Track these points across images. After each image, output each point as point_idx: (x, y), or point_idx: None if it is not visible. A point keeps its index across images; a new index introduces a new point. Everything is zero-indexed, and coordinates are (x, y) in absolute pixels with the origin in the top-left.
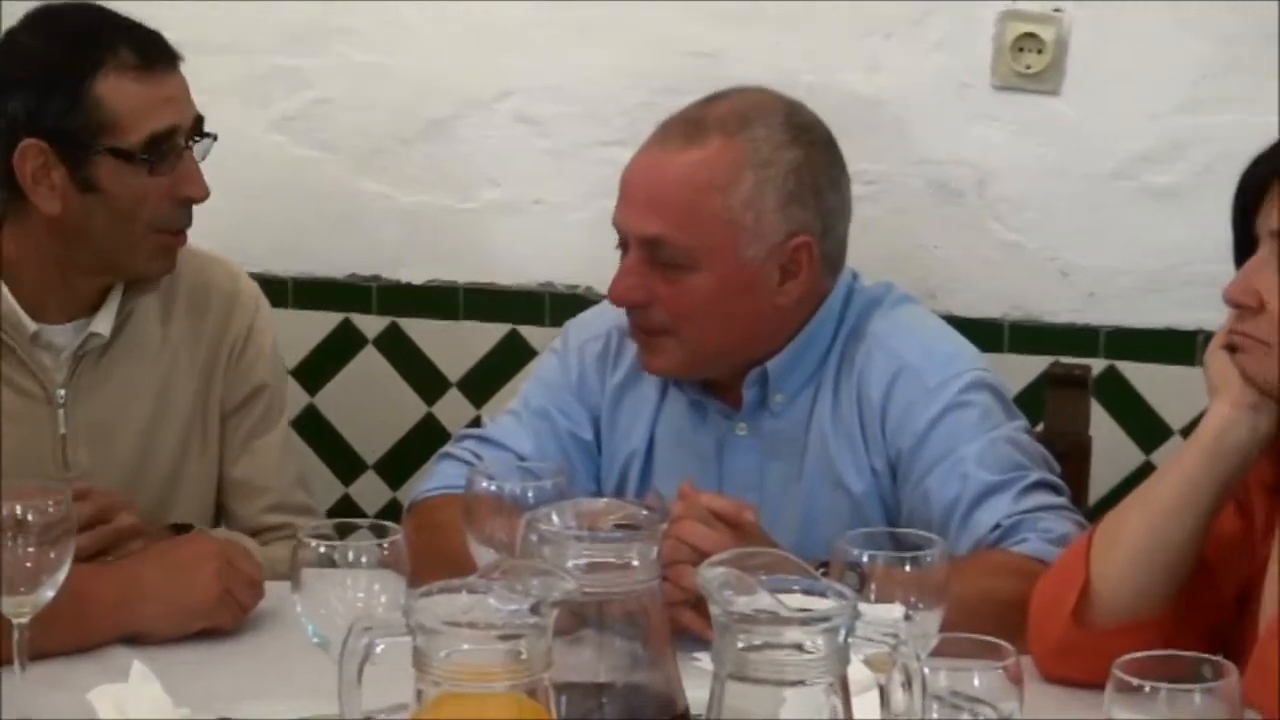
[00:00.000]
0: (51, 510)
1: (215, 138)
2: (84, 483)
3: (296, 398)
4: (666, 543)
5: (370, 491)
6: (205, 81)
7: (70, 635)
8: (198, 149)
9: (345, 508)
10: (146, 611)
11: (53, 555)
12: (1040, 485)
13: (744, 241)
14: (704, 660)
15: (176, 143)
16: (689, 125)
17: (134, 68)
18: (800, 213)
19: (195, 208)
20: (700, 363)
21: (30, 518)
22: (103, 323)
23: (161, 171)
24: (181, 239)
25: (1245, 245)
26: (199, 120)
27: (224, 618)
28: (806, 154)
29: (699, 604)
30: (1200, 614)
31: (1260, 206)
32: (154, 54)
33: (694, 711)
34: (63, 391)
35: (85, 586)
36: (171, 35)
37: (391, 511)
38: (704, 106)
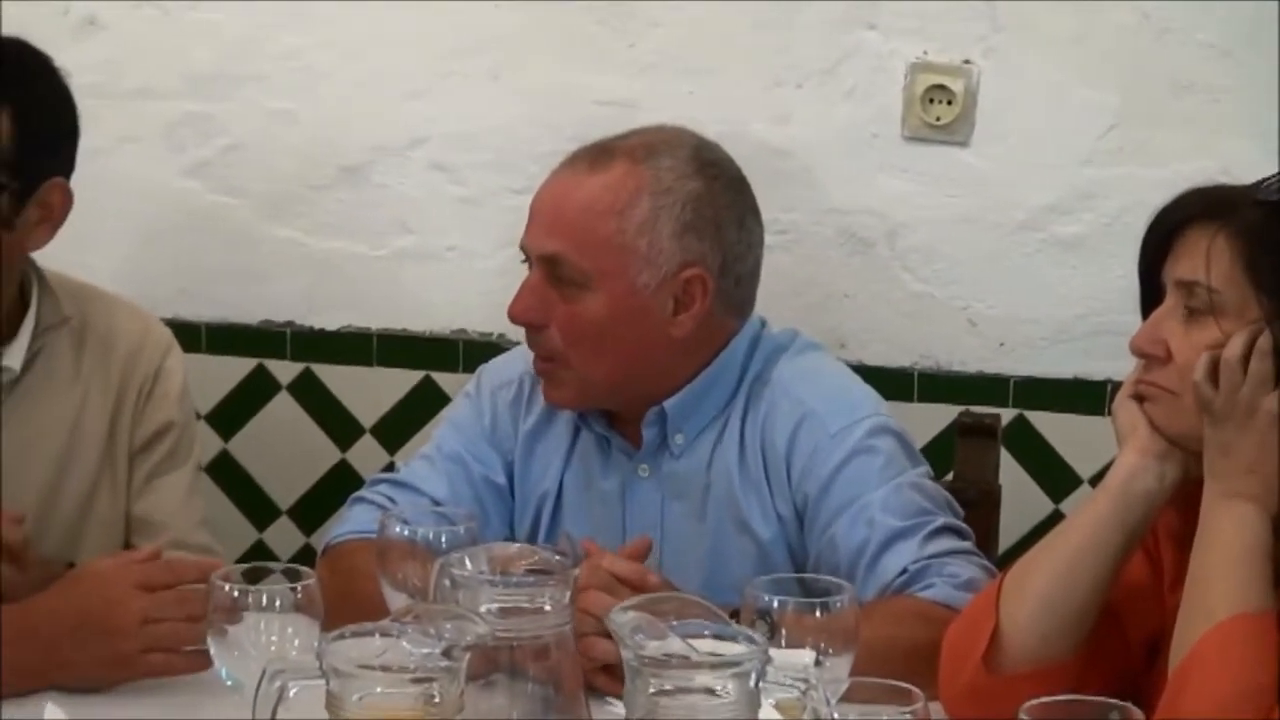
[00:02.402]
0: None
1: None
2: None
3: (210, 443)
4: (575, 615)
5: (283, 537)
6: (116, 127)
7: None
8: None
9: (258, 553)
10: (63, 676)
11: None
12: (945, 530)
13: (636, 267)
14: (617, 705)
15: None
16: (598, 152)
17: None
18: (696, 244)
19: (108, 251)
20: (594, 393)
21: None
22: (14, 356)
23: None
24: None
25: (1151, 295)
26: None
27: (149, 675)
28: (708, 187)
29: (611, 669)
30: (1108, 660)
31: (1166, 257)
32: None
33: None
34: None
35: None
36: (84, 80)
37: (305, 557)
38: (617, 138)
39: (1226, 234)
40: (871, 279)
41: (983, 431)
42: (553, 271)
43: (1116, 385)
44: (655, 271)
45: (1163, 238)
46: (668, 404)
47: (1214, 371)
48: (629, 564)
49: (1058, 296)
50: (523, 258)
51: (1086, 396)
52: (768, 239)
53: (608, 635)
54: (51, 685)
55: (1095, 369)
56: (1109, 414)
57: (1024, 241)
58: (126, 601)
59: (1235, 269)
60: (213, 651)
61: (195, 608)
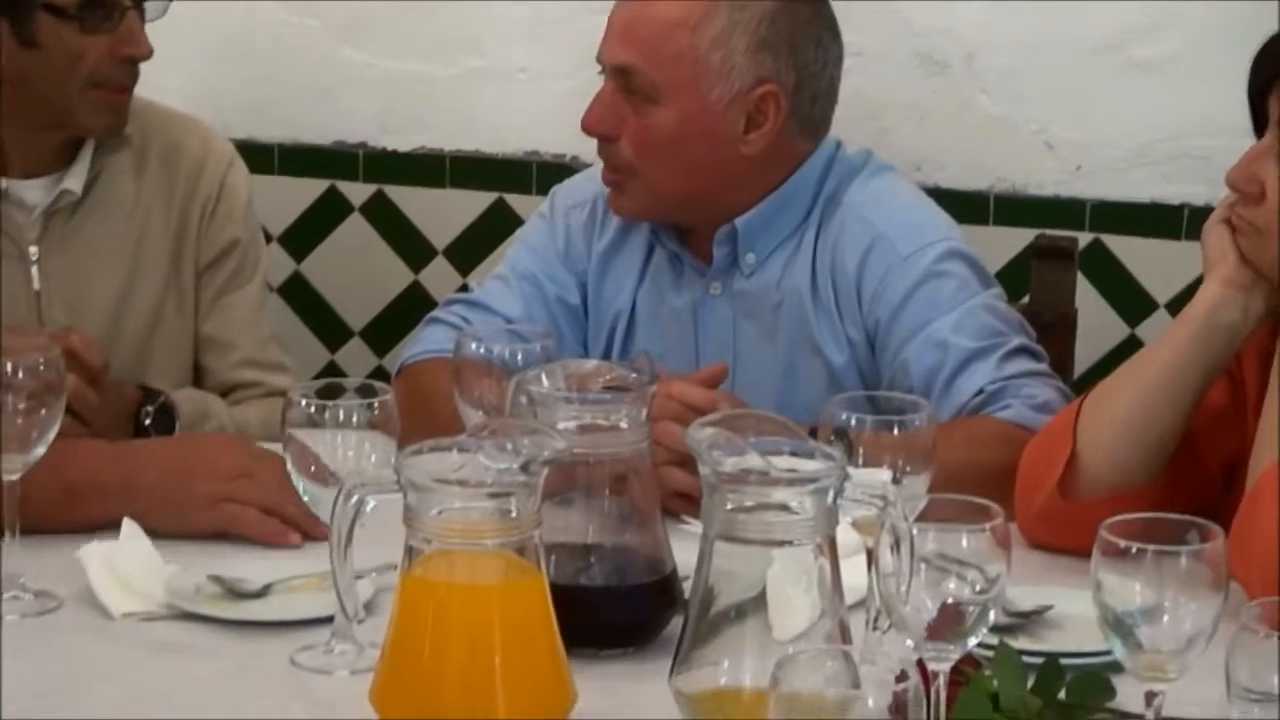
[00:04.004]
0: (43, 369)
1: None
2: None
3: (282, 264)
4: (657, 399)
5: (356, 358)
6: None
7: (61, 519)
8: (150, 9)
9: (331, 374)
10: (139, 504)
11: (44, 414)
12: (1021, 351)
13: (709, 82)
14: (692, 525)
15: (117, 2)
16: None
17: None
18: (771, 61)
19: (181, 71)
20: (663, 206)
21: (21, 376)
22: (74, 180)
23: (97, 29)
24: (124, 96)
25: (1259, 120)
26: None
27: (211, 528)
28: (786, 4)
29: (686, 464)
30: (1185, 487)
31: (1272, 89)
32: None
33: (681, 573)
34: (35, 249)
35: (84, 473)
36: None
37: (378, 378)
38: None
39: None
40: (948, 101)
41: (1059, 255)
42: (625, 83)
43: (1194, 210)
44: (727, 87)
45: (1267, 69)
46: (739, 222)
47: None
48: (701, 391)
49: (1136, 119)
50: (599, 70)
51: (1164, 220)
52: (844, 62)
53: (681, 464)
54: (129, 516)
55: (1173, 193)
56: (1186, 238)
57: (1102, 63)
58: (227, 455)
59: None
60: (289, 467)
61: (290, 489)
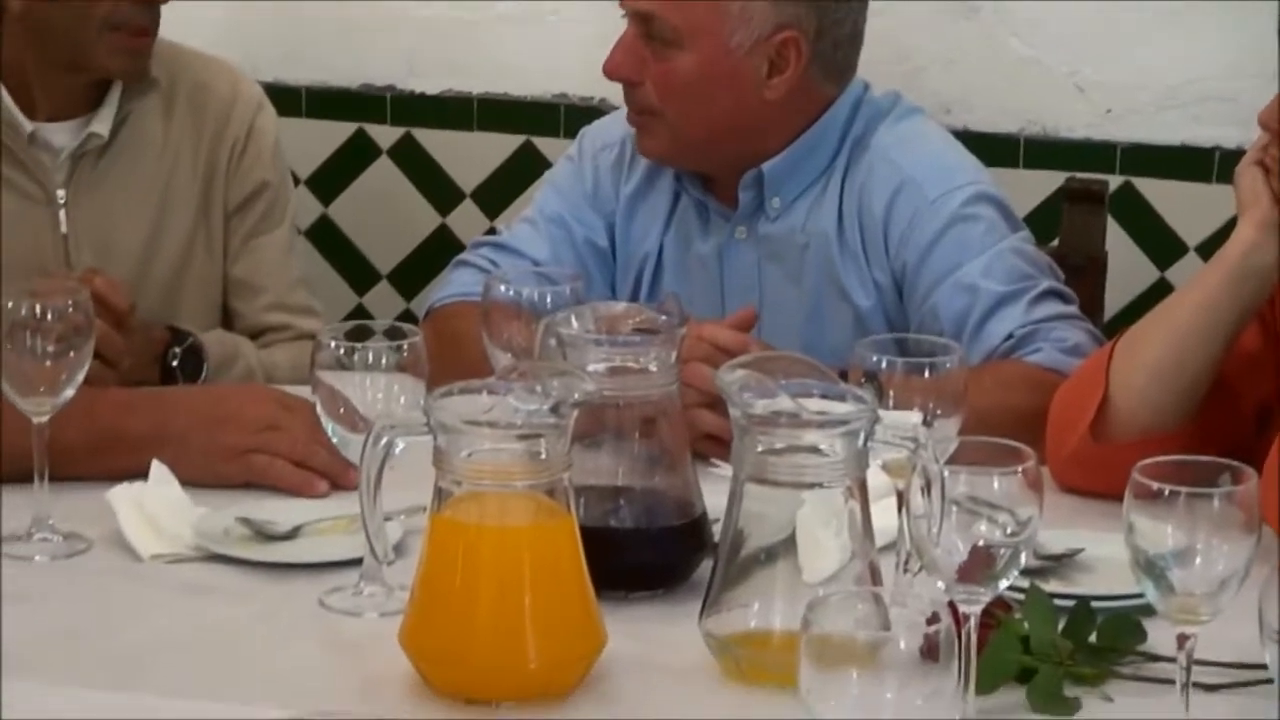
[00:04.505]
0: (71, 311)
1: None
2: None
3: (309, 208)
4: (687, 340)
5: (383, 301)
6: None
7: (92, 467)
8: None
9: (359, 317)
10: (169, 453)
11: (72, 356)
12: (1050, 294)
13: (729, 27)
14: (722, 467)
15: None
16: None
17: None
18: (791, 6)
19: (209, 13)
20: (688, 150)
21: (50, 318)
22: (101, 123)
23: None
24: (144, 40)
25: None
26: None
27: (240, 479)
28: None
29: (716, 406)
30: (1217, 430)
31: None
32: None
33: (711, 516)
34: (62, 192)
35: (115, 420)
36: None
37: (405, 321)
38: None
39: None
40: (978, 44)
41: (1089, 198)
42: (646, 29)
43: (1226, 152)
44: (748, 32)
45: None
46: (765, 167)
47: None
48: (731, 333)
49: (1167, 62)
50: (622, 14)
51: (1194, 163)
52: (873, 4)
53: (712, 406)
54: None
55: (1203, 135)
56: (1217, 181)
57: (1133, 6)
58: (255, 406)
59: None
60: (319, 410)
61: (324, 439)
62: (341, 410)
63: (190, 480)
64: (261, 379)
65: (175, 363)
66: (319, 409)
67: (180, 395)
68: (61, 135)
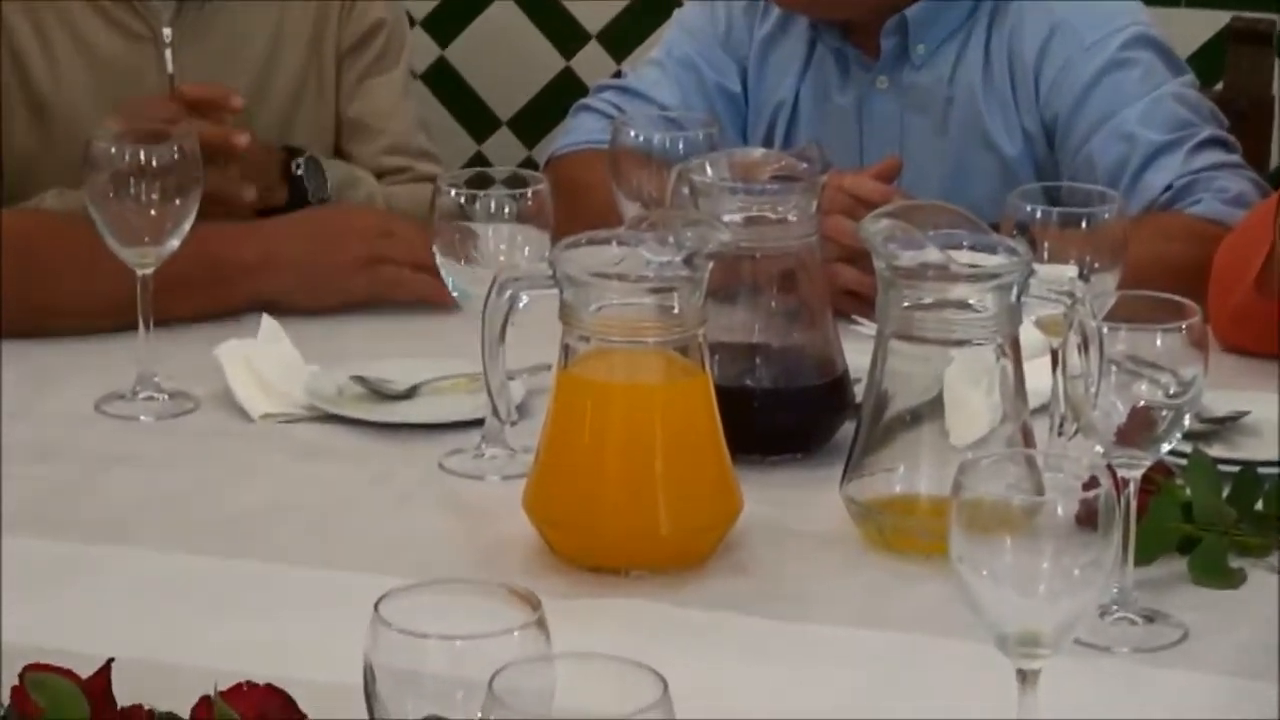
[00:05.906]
0: (177, 156)
1: None
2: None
3: (425, 50)
4: (826, 192)
5: (503, 149)
6: None
7: (203, 299)
8: None
9: (478, 165)
10: (285, 279)
11: (178, 204)
12: (1211, 142)
13: None
14: (864, 325)
15: None
16: None
17: None
18: None
19: None
20: None
21: (155, 163)
22: None
23: None
24: None
25: None
26: None
27: (367, 292)
28: None
29: (858, 260)
30: None
31: None
32: None
33: (853, 375)
34: (169, 31)
35: (222, 249)
36: None
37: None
38: None
39: None
40: None
41: (1256, 38)
42: None
43: None
44: None
45: None
46: (909, 11)
47: None
48: (873, 184)
49: None
50: None
51: None
52: None
53: (853, 260)
54: (273, 295)
55: None
56: None
57: None
58: (366, 215)
59: None
60: (439, 262)
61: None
62: (462, 262)
63: (314, 307)
64: (383, 206)
65: (299, 170)
66: (438, 258)
67: (284, 221)
68: None
